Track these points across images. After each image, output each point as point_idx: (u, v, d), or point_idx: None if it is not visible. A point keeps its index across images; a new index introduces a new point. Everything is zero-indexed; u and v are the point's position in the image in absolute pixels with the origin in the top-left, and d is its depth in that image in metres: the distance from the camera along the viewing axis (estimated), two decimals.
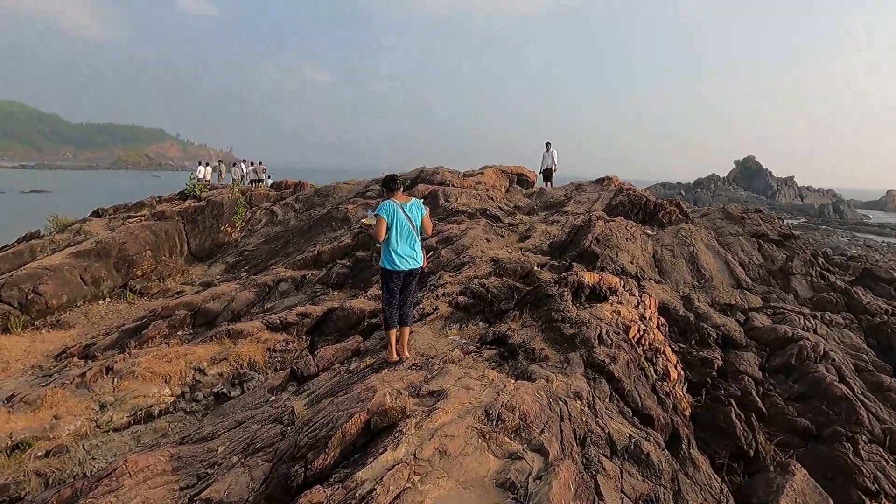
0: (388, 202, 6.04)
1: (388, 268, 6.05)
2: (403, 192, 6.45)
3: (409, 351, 6.53)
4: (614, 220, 13.98)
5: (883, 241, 52.40)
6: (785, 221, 18.51)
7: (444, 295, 9.85)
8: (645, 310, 8.71)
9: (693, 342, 8.47)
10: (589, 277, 9.33)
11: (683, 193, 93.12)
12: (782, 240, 15.89)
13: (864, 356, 8.55)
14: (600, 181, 18.48)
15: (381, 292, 6.52)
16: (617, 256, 12.24)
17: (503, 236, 14.01)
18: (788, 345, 8.31)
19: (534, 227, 14.01)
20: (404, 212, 6.00)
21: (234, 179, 33.97)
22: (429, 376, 5.31)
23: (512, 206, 16.96)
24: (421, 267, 6.28)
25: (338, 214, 17.90)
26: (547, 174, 21.68)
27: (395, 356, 6.28)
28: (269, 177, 34.64)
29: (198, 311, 11.90)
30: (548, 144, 20.75)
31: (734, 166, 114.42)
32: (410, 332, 6.78)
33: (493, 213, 15.40)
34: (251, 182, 32.73)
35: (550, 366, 6.67)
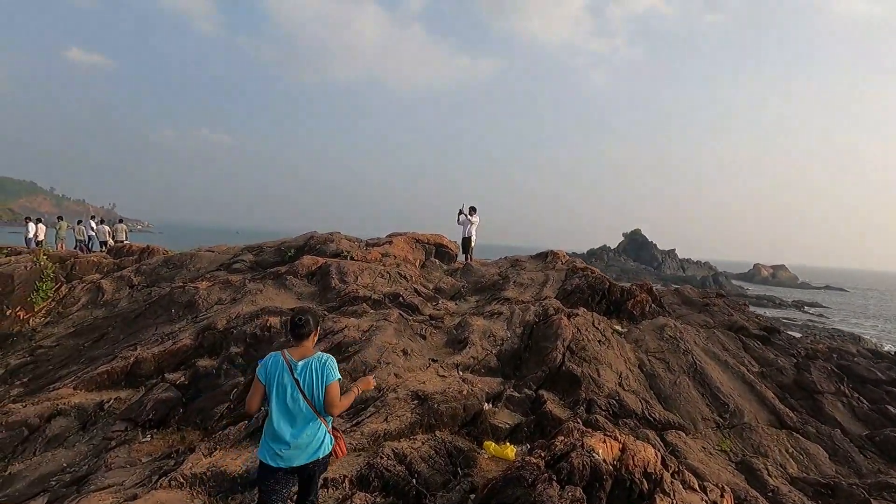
0: (274, 356, 3.90)
1: (260, 459, 3.86)
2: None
3: None
4: (578, 314, 9.96)
5: (763, 312, 53.92)
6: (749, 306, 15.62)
7: (326, 487, 5.01)
8: None
9: None
10: (604, 450, 4.97)
11: None
12: (767, 335, 12.70)
13: None
14: (542, 256, 14.64)
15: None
16: (599, 376, 8.07)
17: (425, 337, 9.45)
18: None
19: (468, 324, 9.61)
20: (292, 373, 3.78)
21: (78, 241, 26.84)
22: None
23: (432, 287, 12.54)
24: (322, 461, 3.92)
25: (182, 297, 12.47)
26: (466, 245, 17.72)
27: None
28: (122, 240, 26.96)
29: None
30: (472, 209, 16.82)
31: (623, 238, 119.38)
32: None
33: (407, 301, 10.85)
34: (102, 245, 25.70)
35: None
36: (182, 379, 9.23)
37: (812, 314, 61.04)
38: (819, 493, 5.99)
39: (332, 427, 4.02)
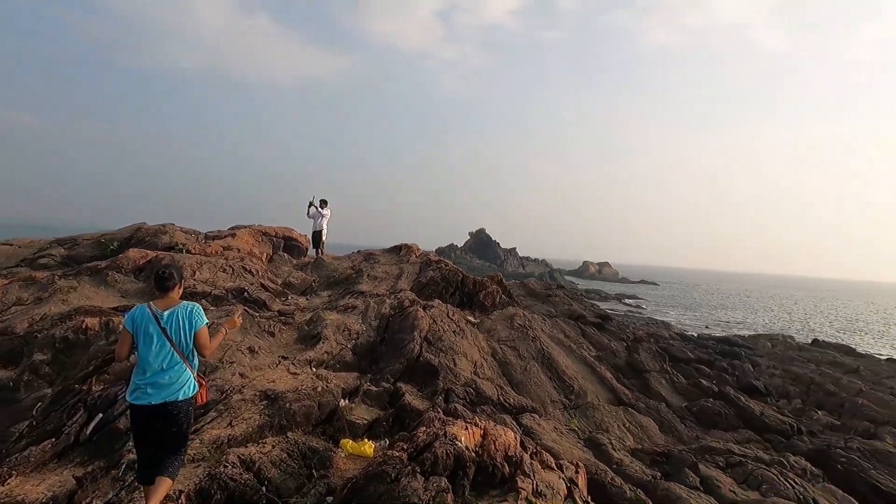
0: (140, 308, 4.13)
1: (129, 401, 4.06)
2: (160, 290, 4.15)
3: None
4: (433, 306, 9.97)
5: (592, 305, 59.39)
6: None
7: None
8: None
9: None
10: (466, 437, 4.92)
11: None
12: (602, 322, 13.86)
13: None
14: (396, 249, 14.50)
15: None
16: (456, 366, 8.12)
17: (273, 334, 8.78)
18: None
19: (321, 319, 9.14)
20: (159, 322, 4.03)
21: None
22: None
23: (280, 282, 11.77)
24: (187, 402, 4.09)
25: None
26: (316, 239, 17.00)
27: None
28: None
29: None
30: (323, 202, 16.14)
31: (469, 237, 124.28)
32: None
33: (254, 297, 10.03)
34: None
35: None
36: None
37: (631, 305, 68.48)
38: (656, 462, 6.58)
39: (198, 374, 4.23)
